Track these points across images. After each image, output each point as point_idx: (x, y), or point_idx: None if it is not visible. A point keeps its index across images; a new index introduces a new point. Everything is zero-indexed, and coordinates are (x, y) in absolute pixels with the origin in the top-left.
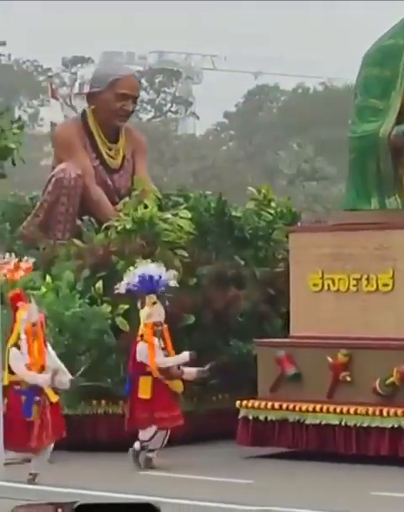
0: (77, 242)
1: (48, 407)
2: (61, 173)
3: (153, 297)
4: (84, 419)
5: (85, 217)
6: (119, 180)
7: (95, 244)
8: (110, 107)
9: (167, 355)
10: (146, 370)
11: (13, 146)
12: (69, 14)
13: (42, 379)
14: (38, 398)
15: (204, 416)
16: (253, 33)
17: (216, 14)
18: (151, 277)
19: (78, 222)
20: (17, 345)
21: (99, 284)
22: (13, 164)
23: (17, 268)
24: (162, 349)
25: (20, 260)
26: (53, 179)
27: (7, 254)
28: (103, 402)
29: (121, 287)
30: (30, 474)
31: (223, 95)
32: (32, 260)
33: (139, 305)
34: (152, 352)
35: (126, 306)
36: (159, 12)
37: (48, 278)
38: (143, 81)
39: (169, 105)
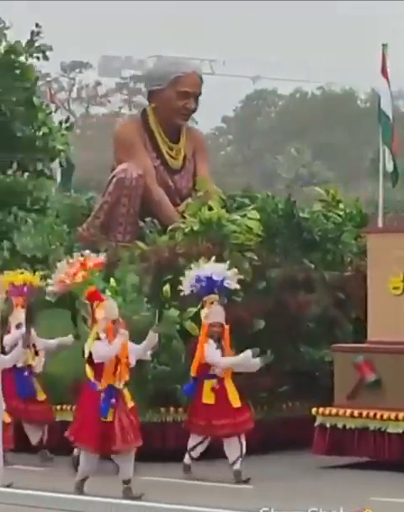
0: (140, 244)
1: (125, 410)
2: (122, 174)
3: (212, 297)
4: (152, 427)
5: (147, 219)
6: (181, 181)
7: (160, 246)
8: (172, 105)
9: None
10: (210, 372)
11: (61, 147)
12: (67, 19)
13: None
14: (114, 400)
15: (275, 424)
16: (252, 37)
17: (215, 19)
18: (208, 277)
19: (141, 224)
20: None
21: (167, 287)
22: (61, 166)
23: (84, 266)
24: (221, 350)
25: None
26: (114, 180)
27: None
28: (171, 409)
29: (185, 288)
30: (124, 482)
31: (221, 100)
32: (103, 256)
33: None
34: (200, 352)
35: (194, 310)
36: (158, 16)
37: (112, 281)
38: (141, 85)
39: None
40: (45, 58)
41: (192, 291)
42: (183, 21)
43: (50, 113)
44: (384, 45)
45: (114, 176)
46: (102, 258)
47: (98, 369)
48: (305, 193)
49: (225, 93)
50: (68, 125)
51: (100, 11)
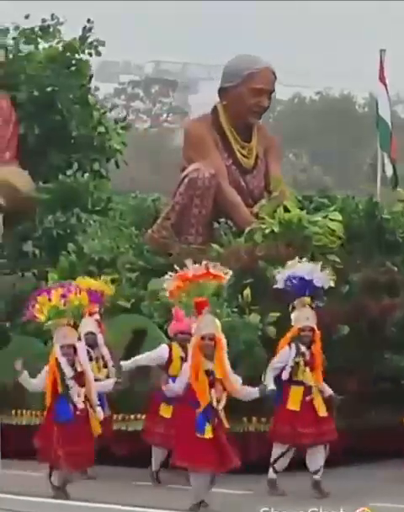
0: (215, 246)
1: (222, 426)
2: (194, 173)
3: (304, 300)
4: (234, 438)
5: (222, 220)
6: (253, 181)
7: (238, 249)
8: (244, 103)
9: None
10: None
11: (117, 146)
12: (65, 24)
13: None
14: (211, 416)
15: (361, 432)
16: (250, 43)
17: (214, 24)
18: (301, 278)
19: (215, 225)
20: None
21: (247, 291)
22: (117, 166)
23: (207, 273)
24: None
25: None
26: (186, 180)
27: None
28: (253, 418)
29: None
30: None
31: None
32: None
33: (290, 308)
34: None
35: (277, 314)
36: (157, 21)
37: None
38: (139, 90)
39: (165, 115)
40: (98, 54)
41: (282, 293)
42: (183, 26)
43: (105, 112)
44: (382, 51)
45: (185, 176)
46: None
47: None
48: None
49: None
50: (124, 123)
51: (98, 15)
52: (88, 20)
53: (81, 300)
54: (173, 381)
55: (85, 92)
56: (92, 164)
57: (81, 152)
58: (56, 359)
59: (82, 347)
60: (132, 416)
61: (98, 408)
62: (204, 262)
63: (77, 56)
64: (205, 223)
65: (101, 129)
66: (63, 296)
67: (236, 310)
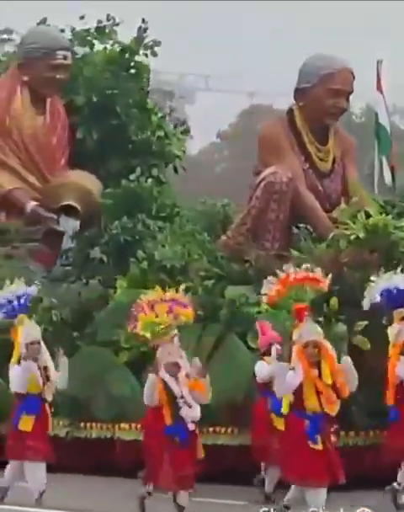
0: (295, 252)
1: (330, 436)
2: (271, 177)
3: (403, 312)
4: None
5: (301, 225)
6: (330, 185)
7: (321, 255)
8: (321, 104)
9: None
10: None
11: (177, 152)
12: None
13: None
14: (321, 425)
15: None
16: (248, 52)
17: (210, 34)
18: (398, 290)
19: (294, 231)
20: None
21: (334, 300)
22: (175, 172)
23: (309, 278)
24: None
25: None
26: (262, 183)
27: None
28: (351, 433)
29: (365, 303)
30: None
31: (217, 115)
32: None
33: (384, 321)
34: (393, 375)
35: (364, 323)
36: (152, 31)
37: None
38: None
39: None
40: (154, 54)
41: (374, 305)
42: (179, 35)
43: (165, 116)
44: (379, 62)
45: (262, 180)
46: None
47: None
48: None
49: (221, 109)
50: (184, 128)
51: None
52: (143, 20)
53: (187, 315)
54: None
55: (144, 95)
56: (151, 170)
57: (140, 157)
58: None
59: (183, 365)
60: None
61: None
62: (304, 265)
63: (135, 57)
64: (282, 228)
65: (160, 133)
66: (170, 310)
67: (321, 319)
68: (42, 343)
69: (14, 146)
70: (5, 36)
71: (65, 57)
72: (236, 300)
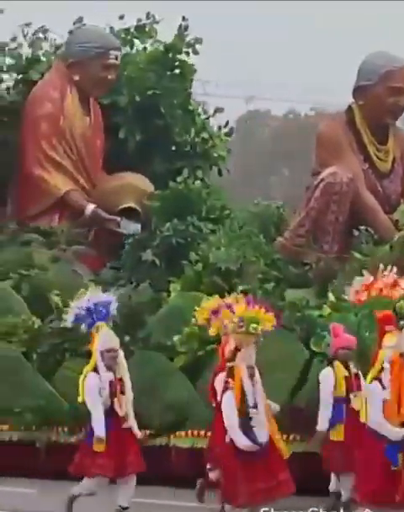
0: (357, 255)
1: None
2: (331, 178)
3: None
4: None
5: (362, 227)
6: (390, 186)
7: (383, 258)
8: (381, 102)
9: None
10: None
11: (222, 153)
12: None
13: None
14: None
15: None
16: (245, 58)
17: (207, 39)
18: None
19: (355, 233)
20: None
21: (402, 303)
22: (220, 174)
23: (395, 284)
24: None
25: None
26: (321, 184)
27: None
28: None
29: None
30: None
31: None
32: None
33: None
34: None
35: None
36: None
37: (331, 296)
38: None
39: None
40: (195, 52)
41: None
42: None
43: (209, 117)
44: None
45: (321, 180)
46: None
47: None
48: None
49: (219, 114)
50: (227, 130)
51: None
52: (183, 18)
53: (271, 320)
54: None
55: (187, 96)
56: (195, 172)
57: (184, 159)
58: (241, 379)
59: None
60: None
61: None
62: (393, 269)
63: (179, 56)
64: (342, 230)
65: (204, 135)
66: (266, 310)
67: None
68: (120, 352)
69: (67, 146)
70: (41, 35)
71: (116, 57)
72: (298, 303)
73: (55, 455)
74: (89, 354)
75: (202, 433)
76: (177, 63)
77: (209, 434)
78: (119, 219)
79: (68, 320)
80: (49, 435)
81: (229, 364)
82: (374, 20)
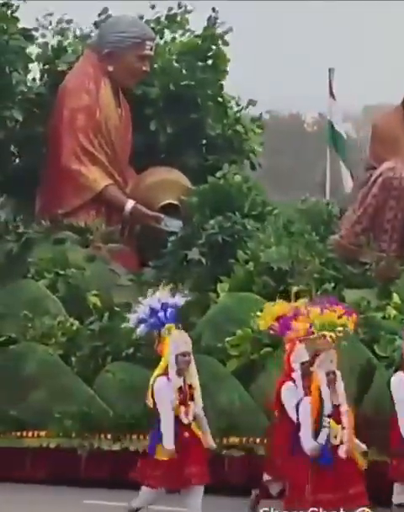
0: None
1: None
2: (389, 173)
3: None
4: None
5: None
6: None
7: None
8: None
9: None
10: None
11: (256, 147)
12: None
13: None
14: None
15: None
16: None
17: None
18: None
19: None
20: None
21: None
22: (253, 168)
23: None
24: None
25: None
26: (379, 180)
27: None
28: None
29: None
30: None
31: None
32: None
33: None
34: None
35: None
36: None
37: (396, 297)
38: None
39: None
40: (225, 44)
41: None
42: None
43: (242, 109)
44: (330, 70)
45: (379, 175)
46: None
47: None
48: None
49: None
50: (261, 122)
51: None
52: (213, 9)
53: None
54: None
55: (220, 87)
56: (230, 166)
57: (218, 152)
58: (319, 387)
59: (339, 377)
60: None
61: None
62: None
63: (213, 47)
64: (400, 228)
65: (238, 128)
66: (347, 313)
67: None
68: (192, 356)
69: (103, 140)
70: (65, 25)
71: (151, 48)
72: (360, 304)
73: (97, 462)
74: (135, 357)
75: (257, 440)
76: (210, 53)
77: (264, 441)
78: (162, 216)
79: (131, 321)
80: (91, 442)
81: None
82: (326, 24)
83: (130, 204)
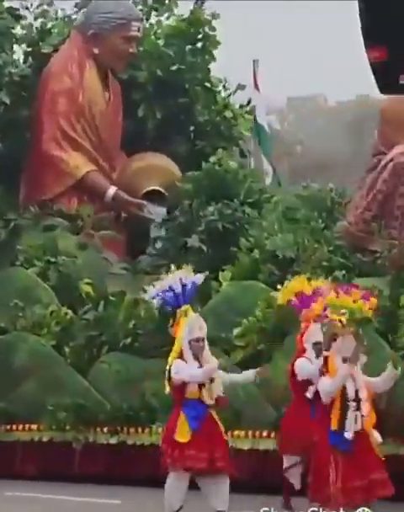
0: None
1: None
2: (401, 157)
3: None
4: None
5: None
6: None
7: None
8: None
9: None
10: None
11: (246, 133)
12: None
13: None
14: None
15: None
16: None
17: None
18: None
19: None
20: None
21: None
22: (243, 156)
23: None
24: None
25: None
26: (390, 165)
27: None
28: None
29: None
30: None
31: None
32: None
33: None
34: None
35: None
36: None
37: None
38: None
39: None
40: (212, 29)
41: None
42: None
43: (231, 94)
44: (255, 61)
45: (390, 161)
46: None
47: None
48: None
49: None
50: (249, 108)
51: None
52: None
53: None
54: None
55: (207, 71)
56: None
57: (206, 139)
58: (335, 371)
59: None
60: None
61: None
62: None
63: (202, 30)
64: None
65: (228, 113)
66: (365, 297)
67: None
68: (206, 340)
69: (86, 124)
70: (46, 7)
71: (138, 29)
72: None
73: (92, 457)
74: (132, 347)
75: (264, 433)
76: (199, 36)
77: (271, 434)
78: (145, 202)
79: (148, 294)
80: (86, 436)
81: (325, 353)
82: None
83: (111, 190)
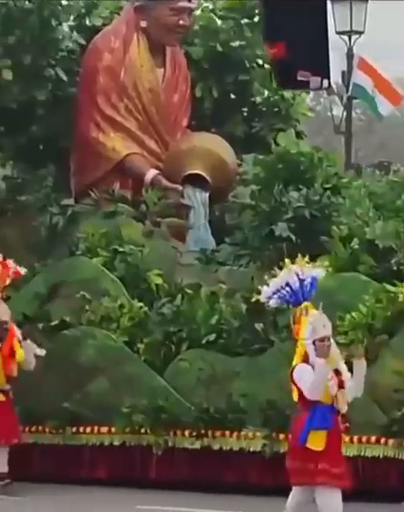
0: None
1: None
2: None
3: None
4: None
5: None
6: None
7: None
8: None
9: None
10: None
11: (306, 113)
12: None
13: None
14: None
15: None
16: None
17: None
18: None
19: None
20: None
21: None
22: (299, 137)
23: None
24: None
25: None
26: None
27: None
28: None
29: None
30: None
31: None
32: None
33: None
34: None
35: None
36: None
37: None
38: None
39: None
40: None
41: None
42: None
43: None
44: None
45: None
46: None
47: None
48: None
49: None
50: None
51: None
52: None
53: None
54: None
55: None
56: (276, 134)
57: (263, 119)
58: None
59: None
60: None
61: None
62: None
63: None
64: None
65: (286, 93)
66: None
67: None
68: (332, 339)
69: (131, 104)
70: None
71: (189, 0)
72: None
73: (171, 462)
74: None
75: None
76: (257, 10)
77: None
78: (180, 187)
79: (264, 294)
80: (166, 439)
81: None
82: None
83: (150, 174)
